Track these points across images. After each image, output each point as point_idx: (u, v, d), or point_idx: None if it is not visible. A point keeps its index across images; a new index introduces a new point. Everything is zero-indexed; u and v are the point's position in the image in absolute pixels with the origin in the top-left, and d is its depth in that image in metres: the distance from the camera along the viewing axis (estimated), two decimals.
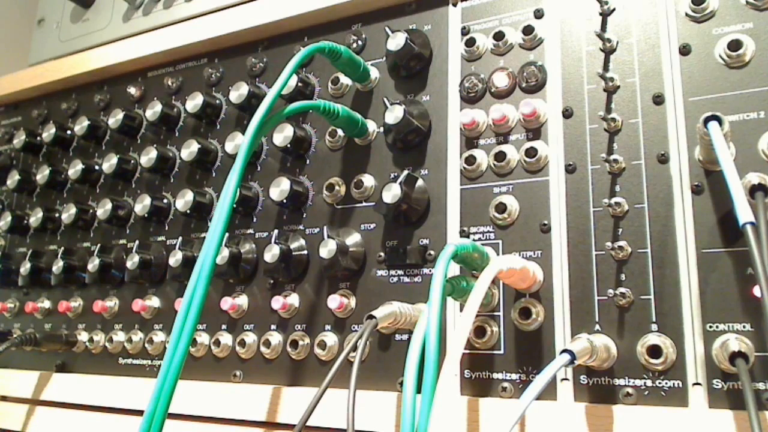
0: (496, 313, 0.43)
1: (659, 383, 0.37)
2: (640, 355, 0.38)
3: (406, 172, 0.48)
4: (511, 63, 0.47)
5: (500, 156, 0.45)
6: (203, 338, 0.55)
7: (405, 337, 0.46)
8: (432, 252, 0.46)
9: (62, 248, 0.64)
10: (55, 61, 0.74)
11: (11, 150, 0.74)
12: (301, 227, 0.52)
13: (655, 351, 0.37)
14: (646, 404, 0.37)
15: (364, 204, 0.50)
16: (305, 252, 0.51)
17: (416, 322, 0.36)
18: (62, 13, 0.79)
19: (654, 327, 0.38)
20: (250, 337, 0.52)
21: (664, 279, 0.38)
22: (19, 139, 0.71)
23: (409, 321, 0.41)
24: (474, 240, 0.45)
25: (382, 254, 0.48)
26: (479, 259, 0.39)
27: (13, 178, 0.70)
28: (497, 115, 0.45)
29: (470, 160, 0.46)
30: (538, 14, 0.47)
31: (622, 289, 0.39)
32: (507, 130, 0.46)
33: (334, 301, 0.47)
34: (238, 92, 0.55)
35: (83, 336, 0.62)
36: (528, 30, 0.46)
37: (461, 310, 0.37)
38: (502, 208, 0.44)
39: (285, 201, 0.51)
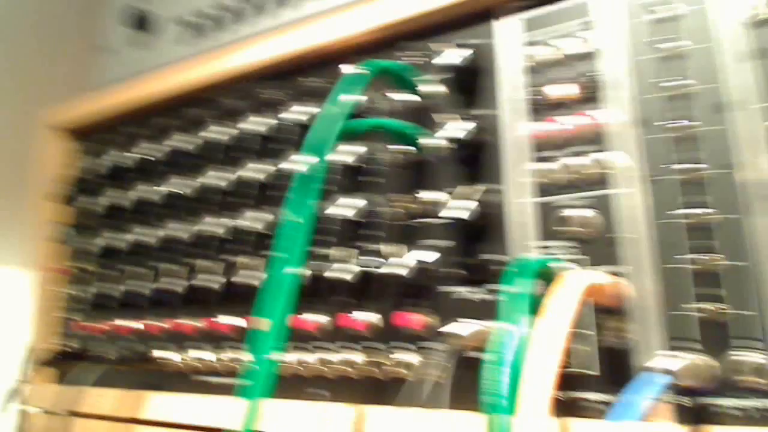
0: (582, 331, 0.42)
1: (766, 403, 0.36)
2: (744, 373, 0.36)
3: (474, 186, 0.47)
4: (573, 73, 0.46)
5: (569, 168, 0.44)
6: (287, 357, 0.55)
7: (485, 356, 0.45)
8: (507, 268, 0.46)
9: (149, 271, 0.67)
10: (116, 85, 0.76)
11: (90, 174, 0.76)
12: (372, 244, 0.53)
13: (761, 370, 0.35)
14: (751, 426, 0.35)
15: (433, 220, 0.50)
16: (378, 270, 0.51)
17: (497, 341, 0.37)
18: (120, 39, 0.81)
19: (759, 345, 0.36)
20: (331, 356, 0.53)
21: None
22: (92, 163, 0.73)
23: (489, 339, 0.41)
24: (550, 255, 0.44)
25: (455, 271, 0.48)
26: (557, 275, 0.39)
27: (99, 203, 0.73)
28: (562, 126, 0.44)
29: (538, 173, 0.45)
30: (597, 23, 0.45)
31: (719, 304, 0.37)
32: (574, 141, 0.45)
33: (410, 320, 0.47)
34: (298, 113, 0.56)
35: (171, 355, 0.64)
36: (587, 39, 0.45)
37: (541, 328, 0.36)
38: (576, 221, 0.43)
39: (354, 218, 0.52)
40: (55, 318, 0.77)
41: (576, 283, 0.37)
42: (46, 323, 0.77)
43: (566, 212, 0.44)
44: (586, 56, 0.46)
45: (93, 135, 0.78)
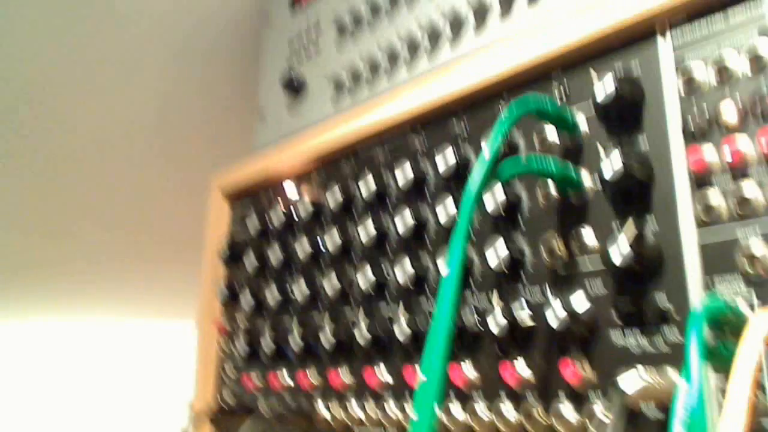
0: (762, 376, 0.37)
1: None
2: None
3: (632, 225, 0.44)
4: (740, 91, 0.42)
5: (741, 197, 0.40)
6: (443, 411, 0.53)
7: (654, 411, 0.41)
8: (673, 312, 0.42)
9: (298, 325, 0.69)
10: (275, 147, 0.81)
11: (246, 235, 0.81)
12: (523, 292, 0.51)
13: None
14: None
15: (588, 263, 0.47)
16: (531, 319, 0.49)
17: (668, 391, 0.33)
18: (278, 102, 0.88)
19: None
20: (482, 411, 0.51)
21: None
22: (251, 223, 0.78)
23: (660, 391, 0.38)
24: (723, 296, 0.40)
25: (615, 317, 0.45)
26: (734, 318, 0.35)
27: (251, 262, 0.77)
28: (731, 151, 0.41)
29: (705, 204, 0.41)
30: (765, 33, 0.41)
31: None
32: (746, 167, 0.41)
33: (568, 371, 0.45)
34: (446, 160, 0.57)
35: (324, 408, 0.65)
36: (755, 53, 0.41)
37: (734, 380, 0.32)
38: (752, 257, 0.39)
39: (503, 266, 0.50)
40: (215, 372, 0.81)
41: (753, 328, 0.32)
42: (206, 377, 0.82)
43: (745, 248, 0.39)
44: (754, 71, 0.41)
45: (255, 196, 0.84)
